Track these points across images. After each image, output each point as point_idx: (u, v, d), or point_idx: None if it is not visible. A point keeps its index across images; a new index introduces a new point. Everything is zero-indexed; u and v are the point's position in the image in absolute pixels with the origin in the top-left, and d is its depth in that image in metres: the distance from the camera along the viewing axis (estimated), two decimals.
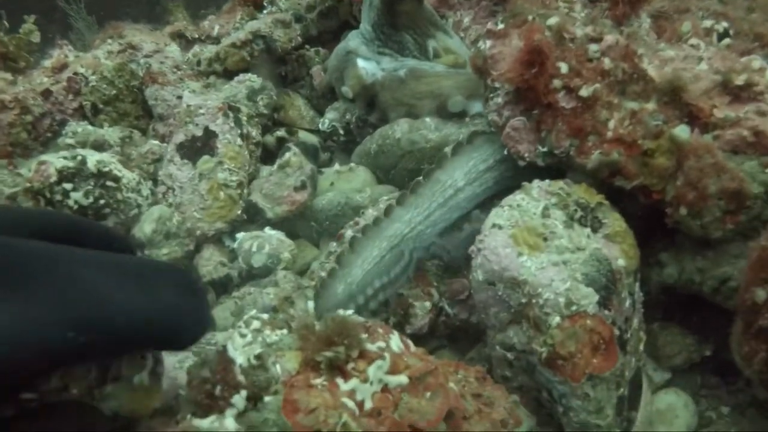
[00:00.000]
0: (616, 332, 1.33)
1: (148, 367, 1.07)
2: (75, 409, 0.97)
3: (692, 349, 1.60)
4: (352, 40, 2.19)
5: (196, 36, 2.82)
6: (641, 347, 1.49)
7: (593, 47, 1.52)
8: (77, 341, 0.84)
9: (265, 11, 2.71)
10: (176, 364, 1.32)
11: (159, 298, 1.00)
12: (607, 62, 1.49)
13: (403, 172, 2.00)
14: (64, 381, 0.94)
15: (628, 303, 1.39)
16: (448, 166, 1.71)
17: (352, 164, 2.10)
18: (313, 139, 2.30)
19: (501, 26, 1.61)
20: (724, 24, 1.94)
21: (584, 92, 1.46)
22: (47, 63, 2.50)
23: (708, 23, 1.95)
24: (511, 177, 1.70)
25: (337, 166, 2.11)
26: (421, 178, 1.71)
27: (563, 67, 1.47)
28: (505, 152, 1.67)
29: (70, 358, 0.90)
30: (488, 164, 1.72)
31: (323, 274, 1.68)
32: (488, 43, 1.60)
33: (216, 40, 2.70)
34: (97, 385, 0.99)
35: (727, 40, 1.92)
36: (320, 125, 2.32)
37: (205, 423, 0.99)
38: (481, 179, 1.71)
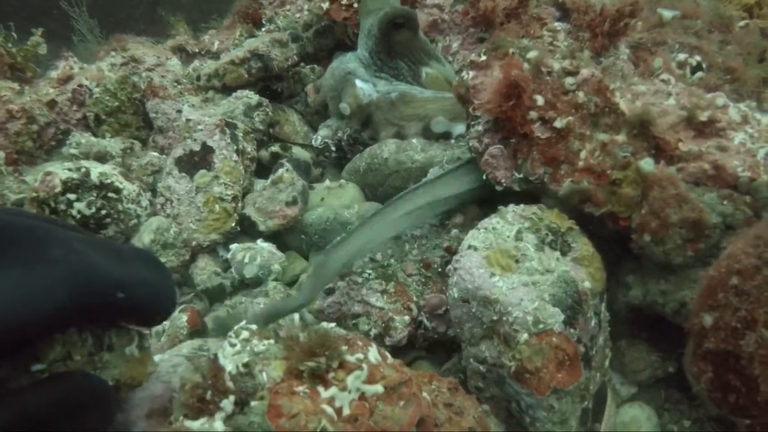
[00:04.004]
0: (581, 349, 1.42)
1: (135, 340, 1.16)
2: (84, 378, 1.04)
3: (657, 366, 1.69)
4: (351, 63, 2.30)
5: (197, 50, 2.91)
6: (607, 363, 1.58)
7: (569, 80, 1.62)
8: (72, 303, 0.93)
9: (263, 28, 2.81)
10: (170, 369, 1.40)
11: (139, 272, 1.10)
12: (581, 95, 1.59)
13: (390, 190, 2.09)
14: (66, 349, 1.02)
15: (593, 322, 1.48)
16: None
17: (342, 181, 2.19)
18: (305, 155, 2.39)
19: (483, 57, 1.71)
20: (698, 58, 2.05)
21: (558, 124, 1.56)
22: (53, 74, 2.58)
23: (682, 56, 2.07)
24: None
25: (327, 182, 2.20)
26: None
27: (539, 100, 1.57)
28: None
29: (65, 320, 0.97)
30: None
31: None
32: (471, 73, 1.70)
33: (215, 56, 2.80)
34: (95, 351, 1.07)
35: (699, 74, 2.03)
36: (313, 141, 2.42)
37: (195, 425, 1.07)
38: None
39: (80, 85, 2.48)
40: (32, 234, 0.97)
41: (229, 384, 1.11)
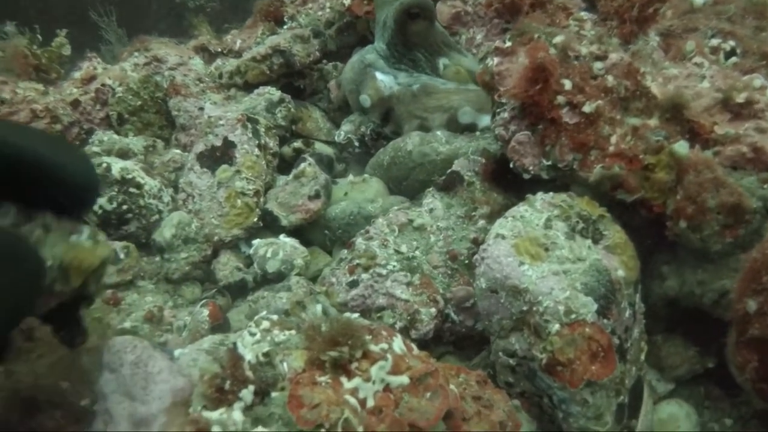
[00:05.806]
0: (616, 341, 1.36)
1: (85, 232, 1.09)
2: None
3: (695, 361, 1.62)
4: (370, 54, 2.27)
5: (219, 50, 2.91)
6: (642, 357, 1.52)
7: (598, 65, 1.57)
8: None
9: (285, 26, 2.80)
10: (190, 362, 1.38)
11: (61, 150, 1.05)
12: (610, 79, 1.54)
13: (415, 184, 2.05)
14: None
15: (628, 313, 1.42)
16: None
17: (366, 175, 2.16)
18: (328, 150, 2.36)
19: (508, 44, 1.66)
20: (731, 43, 1.98)
21: (587, 108, 1.51)
22: (77, 74, 2.60)
23: (715, 42, 1.99)
24: None
25: (351, 177, 2.17)
26: None
27: (567, 84, 1.52)
28: None
29: None
30: None
31: None
32: (496, 59, 1.66)
33: (238, 54, 2.80)
34: (20, 223, 0.99)
35: (733, 59, 1.96)
36: (336, 137, 2.39)
37: (214, 415, 1.04)
38: None
39: (103, 85, 2.49)
40: None
41: (249, 374, 1.08)
